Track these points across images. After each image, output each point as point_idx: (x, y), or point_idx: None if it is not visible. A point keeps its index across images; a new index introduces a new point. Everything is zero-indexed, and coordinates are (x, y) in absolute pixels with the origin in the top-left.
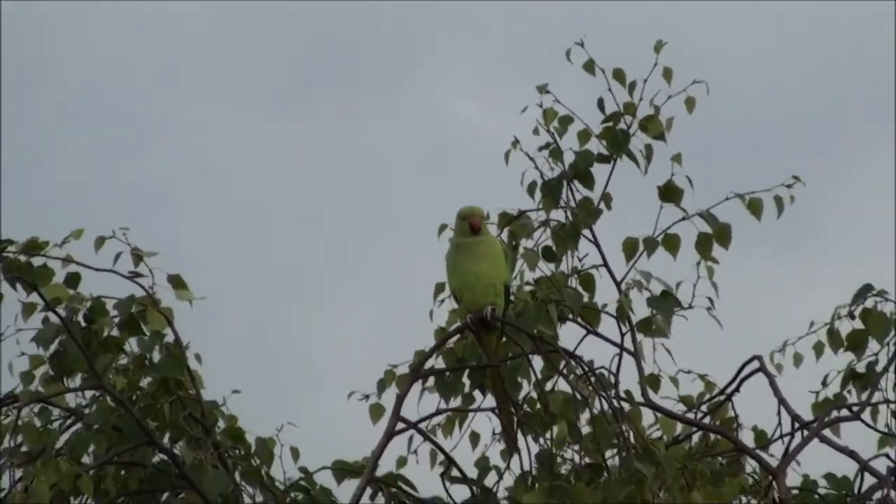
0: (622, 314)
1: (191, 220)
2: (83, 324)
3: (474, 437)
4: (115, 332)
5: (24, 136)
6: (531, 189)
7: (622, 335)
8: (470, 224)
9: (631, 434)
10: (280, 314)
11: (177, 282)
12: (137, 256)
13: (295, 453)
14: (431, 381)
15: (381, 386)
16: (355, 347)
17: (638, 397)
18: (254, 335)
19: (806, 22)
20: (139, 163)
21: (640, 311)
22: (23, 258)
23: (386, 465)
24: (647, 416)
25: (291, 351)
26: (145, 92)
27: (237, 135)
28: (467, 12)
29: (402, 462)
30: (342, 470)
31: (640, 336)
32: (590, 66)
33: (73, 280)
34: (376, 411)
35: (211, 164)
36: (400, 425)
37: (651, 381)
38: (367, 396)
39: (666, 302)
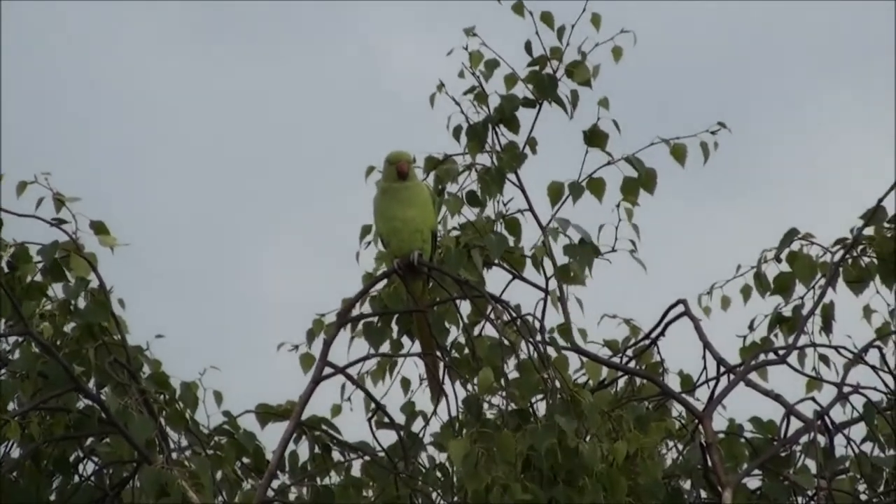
0: (536, 263)
1: (118, 163)
2: (6, 270)
3: (405, 384)
4: (38, 278)
5: None
6: (457, 133)
7: (546, 280)
8: (398, 169)
9: (557, 381)
10: (212, 258)
11: (99, 228)
12: (60, 202)
13: (218, 397)
14: (361, 328)
15: (311, 336)
16: (288, 291)
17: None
18: (185, 279)
19: None
20: (60, 105)
21: (559, 258)
22: None
23: (320, 413)
24: (574, 361)
25: (224, 296)
26: (66, 33)
27: (166, 73)
28: None
29: (336, 410)
30: (266, 413)
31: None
32: (518, 8)
33: None
34: (307, 361)
35: (141, 105)
36: (328, 370)
37: (562, 331)
38: (296, 347)
39: (583, 250)
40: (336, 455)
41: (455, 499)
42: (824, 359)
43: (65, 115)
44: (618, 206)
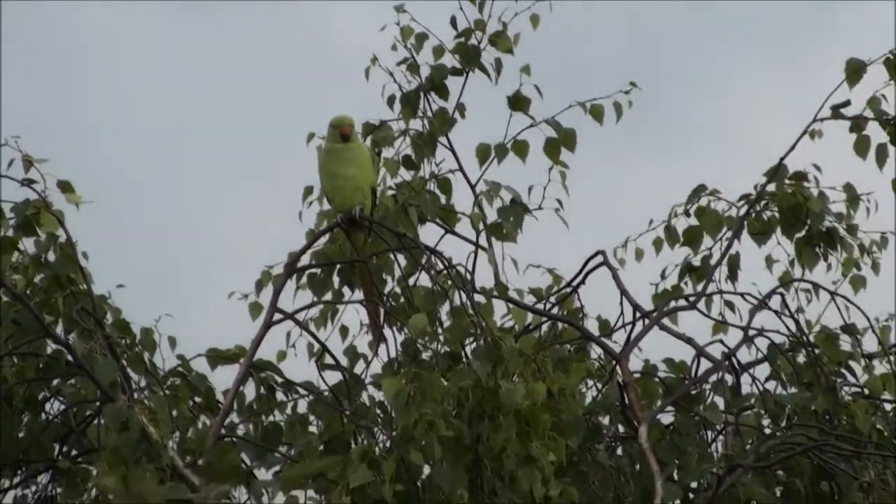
0: (474, 224)
1: (89, 126)
2: None
3: (344, 330)
4: (10, 234)
5: None
6: (391, 101)
7: (477, 234)
8: (341, 132)
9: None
10: (172, 215)
11: (65, 187)
12: (28, 163)
13: (172, 342)
14: (304, 280)
15: (259, 286)
16: (240, 243)
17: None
18: (149, 234)
19: None
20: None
21: (493, 214)
22: None
23: (266, 357)
24: (503, 308)
25: (181, 249)
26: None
27: (133, 35)
28: None
29: (281, 356)
30: (216, 356)
31: (492, 239)
32: None
33: None
34: (255, 309)
35: (104, 62)
36: (277, 316)
37: (500, 289)
38: (245, 296)
39: (514, 210)
40: (280, 396)
41: (393, 433)
42: (730, 305)
43: (35, 70)
44: (550, 169)
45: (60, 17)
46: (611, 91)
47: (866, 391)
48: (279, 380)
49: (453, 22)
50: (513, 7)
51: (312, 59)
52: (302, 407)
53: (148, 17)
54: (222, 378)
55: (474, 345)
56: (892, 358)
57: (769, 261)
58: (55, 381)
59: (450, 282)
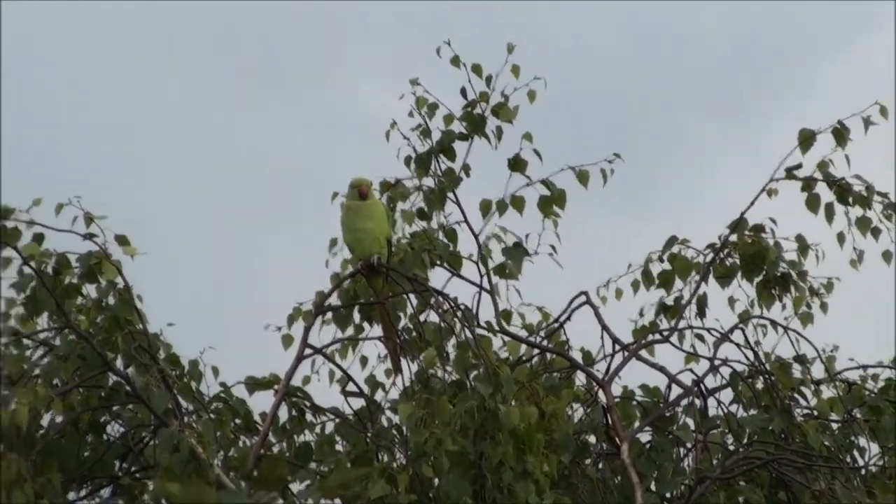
0: (484, 261)
1: (140, 183)
2: (51, 274)
3: (364, 360)
4: (76, 281)
5: None
6: (407, 161)
7: (481, 277)
8: (358, 191)
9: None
10: (218, 260)
11: (122, 240)
12: (90, 219)
13: (215, 371)
14: (329, 316)
15: (290, 320)
16: (276, 286)
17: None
18: (200, 275)
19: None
20: (93, 137)
21: (496, 258)
22: None
23: (294, 383)
24: (501, 342)
25: (224, 291)
26: (93, 80)
27: (199, 110)
28: (377, 21)
29: (306, 380)
30: (253, 384)
31: (495, 278)
32: (455, 61)
33: (38, 239)
34: (287, 340)
35: (164, 136)
36: (308, 350)
37: (504, 315)
38: (279, 328)
39: (517, 251)
40: (308, 417)
41: (408, 451)
42: (699, 338)
43: (95, 141)
44: (544, 219)
45: (118, 94)
46: (602, 154)
47: (816, 412)
48: (308, 404)
49: (463, 92)
50: (513, 83)
51: (341, 125)
52: (329, 428)
53: (200, 92)
54: (258, 402)
55: (476, 373)
56: (837, 384)
57: (732, 300)
58: (116, 408)
59: (455, 319)
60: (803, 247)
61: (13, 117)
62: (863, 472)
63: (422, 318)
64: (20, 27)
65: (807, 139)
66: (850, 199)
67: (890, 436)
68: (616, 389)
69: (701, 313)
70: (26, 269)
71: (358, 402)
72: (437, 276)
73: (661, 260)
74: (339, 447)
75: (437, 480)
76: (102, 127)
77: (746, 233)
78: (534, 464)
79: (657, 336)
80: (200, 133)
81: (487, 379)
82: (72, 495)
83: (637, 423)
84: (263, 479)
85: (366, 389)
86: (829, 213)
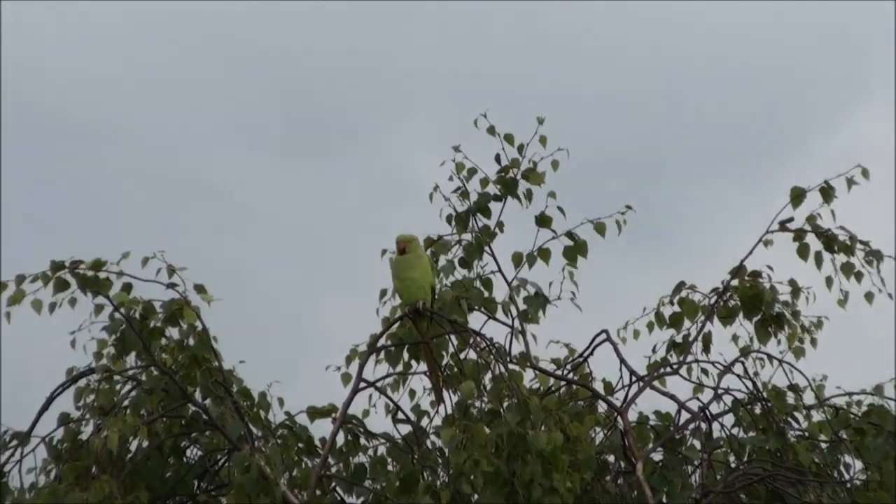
0: (506, 309)
1: (214, 240)
2: (138, 318)
3: (412, 393)
4: (159, 324)
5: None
6: (448, 219)
7: (512, 320)
8: (398, 248)
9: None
10: (286, 306)
11: (200, 289)
12: (171, 270)
13: (280, 402)
14: (381, 355)
15: (348, 360)
16: (336, 328)
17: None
18: (268, 320)
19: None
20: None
21: (521, 305)
22: (90, 273)
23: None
24: (531, 374)
25: (291, 330)
26: (180, 145)
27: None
28: (426, 95)
29: (366, 413)
30: (314, 412)
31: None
32: (491, 131)
33: (127, 288)
34: (345, 378)
35: (234, 200)
36: (362, 385)
37: (523, 358)
38: (338, 368)
39: (537, 300)
40: (362, 441)
41: (449, 471)
42: (704, 371)
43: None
44: (563, 269)
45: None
46: (613, 210)
47: (807, 434)
48: (362, 430)
49: (497, 159)
50: (541, 151)
51: (390, 188)
52: (381, 451)
53: (272, 160)
54: (319, 429)
55: (509, 403)
56: (826, 409)
57: (735, 337)
58: (194, 435)
59: (491, 356)
60: (795, 290)
61: (113, 182)
62: (848, 485)
63: (462, 355)
64: (135, 119)
65: (798, 196)
66: (836, 248)
67: (873, 454)
68: (632, 415)
69: (706, 349)
70: (116, 315)
71: (406, 429)
72: (475, 319)
73: (671, 303)
74: (389, 467)
75: (475, 497)
76: (190, 193)
77: (746, 278)
78: (559, 480)
79: (668, 369)
80: (271, 195)
81: (518, 408)
82: None
83: (651, 445)
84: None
85: (413, 417)
86: (818, 260)
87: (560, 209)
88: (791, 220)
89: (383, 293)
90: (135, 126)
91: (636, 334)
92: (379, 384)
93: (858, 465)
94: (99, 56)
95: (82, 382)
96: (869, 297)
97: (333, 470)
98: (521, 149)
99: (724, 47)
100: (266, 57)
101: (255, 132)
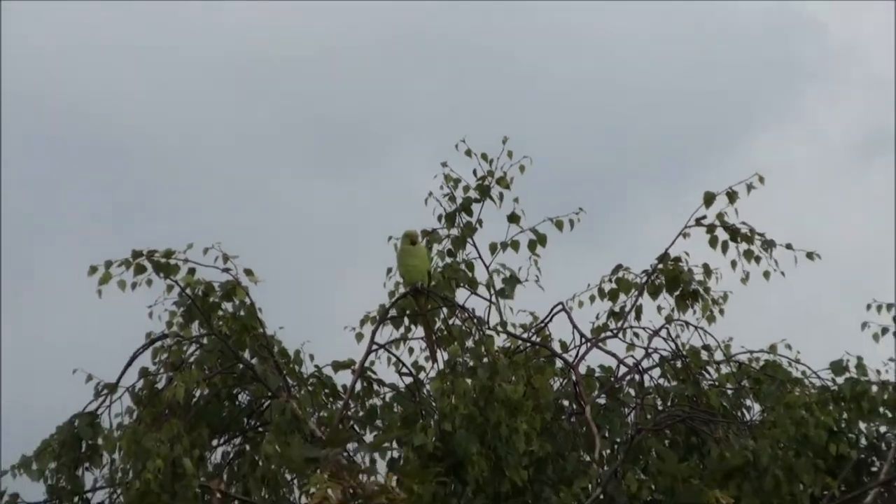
0: (488, 286)
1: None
2: (200, 295)
3: (410, 351)
4: (217, 300)
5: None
6: (440, 218)
7: (490, 296)
8: (411, 240)
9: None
10: (314, 282)
11: (249, 273)
12: (226, 257)
13: (311, 357)
14: (388, 322)
15: (361, 323)
16: (350, 299)
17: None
18: (302, 295)
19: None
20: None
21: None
22: (163, 260)
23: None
24: (505, 337)
25: (315, 302)
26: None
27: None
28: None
29: (372, 363)
30: (337, 365)
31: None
32: (468, 153)
33: (191, 272)
34: (358, 337)
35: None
36: (374, 345)
37: (501, 324)
38: (353, 328)
39: (511, 281)
40: (375, 388)
41: (436, 414)
42: (637, 334)
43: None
44: (529, 257)
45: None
46: (569, 210)
47: (717, 383)
48: (375, 379)
49: (474, 171)
50: (509, 162)
51: (396, 195)
52: (388, 397)
53: (304, 173)
54: (341, 378)
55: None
56: (731, 363)
57: (659, 308)
58: (244, 386)
59: (472, 324)
60: (707, 271)
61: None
62: (748, 424)
63: (450, 322)
64: (202, 143)
65: (709, 199)
66: (739, 239)
67: (767, 399)
68: (582, 369)
69: (638, 317)
70: (184, 293)
71: (408, 380)
72: (461, 294)
73: (610, 281)
74: (395, 410)
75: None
76: (247, 199)
77: (669, 263)
78: (521, 423)
79: (609, 333)
80: (307, 200)
81: (489, 366)
82: (214, 443)
83: (596, 392)
84: (331, 440)
85: (412, 371)
86: (725, 248)
87: (522, 211)
88: (704, 217)
89: (389, 271)
90: (204, 149)
91: (581, 305)
92: (387, 345)
93: (757, 407)
94: (175, 92)
95: (157, 344)
96: (766, 275)
97: (352, 411)
98: (491, 162)
99: (654, 78)
100: (305, 99)
101: (296, 154)
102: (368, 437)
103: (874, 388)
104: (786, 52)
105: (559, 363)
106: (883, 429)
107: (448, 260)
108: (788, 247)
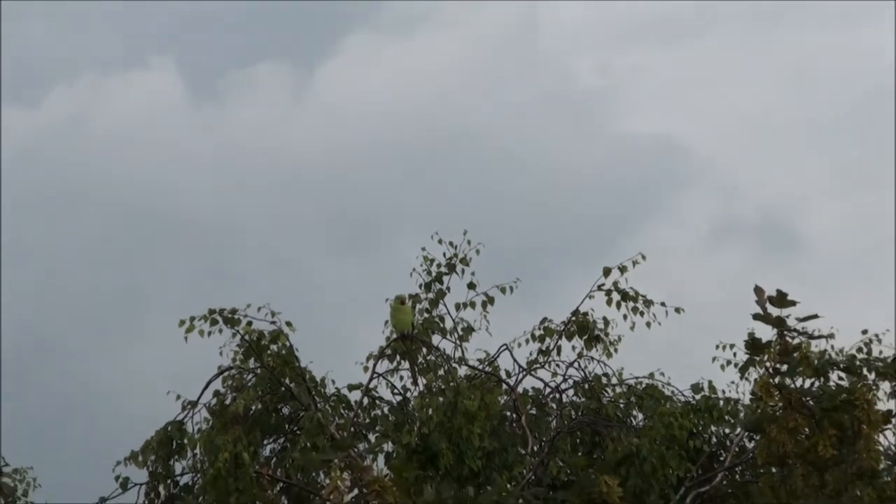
0: (454, 333)
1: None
2: (255, 340)
3: (401, 377)
4: (266, 342)
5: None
6: (420, 286)
7: (455, 340)
8: (401, 301)
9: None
10: (334, 330)
11: (288, 324)
12: (272, 312)
13: (332, 381)
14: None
15: (367, 359)
16: (355, 342)
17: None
18: (323, 340)
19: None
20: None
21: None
22: (229, 315)
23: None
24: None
25: (335, 344)
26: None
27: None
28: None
29: (375, 386)
30: (350, 387)
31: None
32: (440, 242)
33: (249, 323)
34: (366, 369)
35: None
36: (375, 374)
37: (460, 360)
38: (362, 362)
39: (468, 329)
40: (377, 403)
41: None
42: (558, 366)
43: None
44: (481, 313)
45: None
46: (510, 279)
47: (613, 400)
48: (377, 396)
49: (444, 255)
50: (468, 247)
51: (395, 270)
52: (385, 409)
53: (320, 245)
54: (353, 395)
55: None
56: (624, 386)
57: (573, 347)
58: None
59: (442, 359)
60: (606, 321)
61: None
62: (634, 427)
63: (428, 358)
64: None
65: (607, 272)
66: (628, 299)
67: (648, 410)
68: (520, 390)
69: (559, 354)
70: (243, 339)
71: (399, 398)
72: (435, 339)
73: (539, 329)
74: (390, 419)
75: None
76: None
77: (580, 316)
78: (475, 428)
79: (538, 365)
80: (325, 272)
81: (454, 390)
82: (265, 442)
83: (530, 405)
84: (339, 445)
85: (401, 392)
86: (619, 306)
87: (477, 280)
88: (603, 284)
89: (385, 323)
90: (250, 229)
91: (519, 345)
92: (384, 374)
93: (640, 416)
94: (225, 176)
95: (225, 374)
96: (648, 325)
97: (360, 419)
98: (456, 248)
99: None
100: (326, 189)
101: (317, 233)
102: (371, 437)
103: (721, 403)
104: (667, 167)
105: (504, 386)
106: (727, 430)
107: (426, 315)
108: (662, 304)
